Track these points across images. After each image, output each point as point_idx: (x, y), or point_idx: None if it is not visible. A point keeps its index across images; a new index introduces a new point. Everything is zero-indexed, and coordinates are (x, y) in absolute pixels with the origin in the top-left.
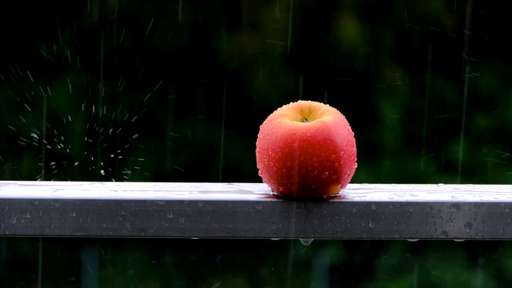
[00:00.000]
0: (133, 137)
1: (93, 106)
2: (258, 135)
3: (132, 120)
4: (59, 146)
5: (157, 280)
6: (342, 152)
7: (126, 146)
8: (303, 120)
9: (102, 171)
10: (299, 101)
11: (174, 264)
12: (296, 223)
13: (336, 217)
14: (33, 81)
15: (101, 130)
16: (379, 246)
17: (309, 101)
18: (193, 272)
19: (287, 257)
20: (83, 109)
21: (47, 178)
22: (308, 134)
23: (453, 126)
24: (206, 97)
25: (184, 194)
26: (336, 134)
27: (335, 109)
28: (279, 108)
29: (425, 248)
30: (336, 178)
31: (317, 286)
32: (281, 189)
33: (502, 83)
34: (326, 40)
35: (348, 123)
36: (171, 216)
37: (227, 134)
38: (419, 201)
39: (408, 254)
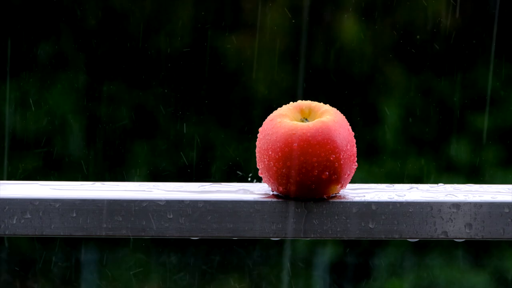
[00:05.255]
0: (133, 137)
1: (94, 106)
2: (258, 135)
3: (132, 120)
4: (59, 146)
5: (157, 280)
6: (342, 152)
7: (126, 146)
8: (303, 120)
9: (102, 171)
10: (299, 101)
11: (174, 264)
12: (296, 223)
13: (336, 217)
14: (32, 80)
15: (101, 130)
16: (379, 246)
17: (309, 101)
18: (193, 272)
19: (287, 256)
20: (83, 109)
21: (47, 178)
22: (308, 134)
23: (453, 126)
24: (206, 97)
25: (184, 194)
26: (336, 134)
27: (335, 109)
28: (279, 108)
29: (425, 248)
30: (336, 178)
31: (317, 286)
32: (281, 189)
33: (503, 82)
34: (326, 39)
35: (348, 123)
36: (171, 216)
37: (227, 134)
38: (419, 201)
39: (408, 254)
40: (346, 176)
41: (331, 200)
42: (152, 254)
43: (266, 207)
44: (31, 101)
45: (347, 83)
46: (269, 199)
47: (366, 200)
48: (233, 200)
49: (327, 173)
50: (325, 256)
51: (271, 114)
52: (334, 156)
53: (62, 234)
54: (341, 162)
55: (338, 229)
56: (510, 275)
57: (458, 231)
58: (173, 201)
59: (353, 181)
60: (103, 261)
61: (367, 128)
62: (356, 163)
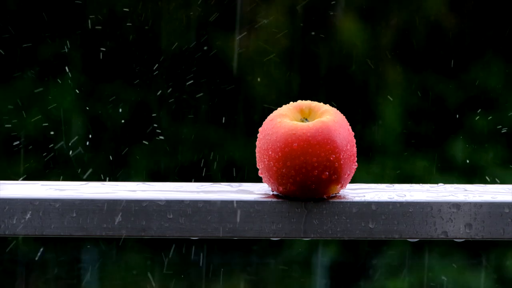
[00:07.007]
0: (133, 137)
1: (94, 106)
2: (258, 135)
3: (132, 120)
4: (59, 146)
5: (157, 280)
6: (342, 152)
7: (126, 146)
8: (303, 120)
9: (102, 171)
10: (299, 101)
11: (174, 264)
12: (296, 223)
13: (336, 217)
14: (33, 80)
15: (101, 130)
16: (378, 246)
17: (309, 101)
18: (193, 272)
19: (287, 256)
20: (83, 109)
21: (47, 178)
22: (308, 134)
23: (453, 126)
24: (206, 97)
25: (184, 194)
26: (336, 134)
27: (335, 109)
28: (279, 108)
29: (425, 248)
30: (336, 178)
31: (317, 286)
32: (281, 189)
33: (502, 82)
34: (325, 39)
35: (348, 123)
36: (171, 216)
37: (227, 134)
38: (419, 201)
39: (408, 254)
40: (346, 176)
41: (331, 200)
42: (152, 254)
43: (266, 207)
44: (31, 101)
45: (347, 83)
46: (269, 199)
47: (366, 200)
48: (233, 200)
49: (327, 173)
50: (325, 256)
51: (271, 114)
52: (334, 156)
53: (62, 234)
54: (341, 162)
55: (338, 229)
56: (510, 275)
57: (458, 231)
58: (173, 201)
59: (353, 181)
60: (103, 261)
61: (366, 128)
62: (356, 163)
